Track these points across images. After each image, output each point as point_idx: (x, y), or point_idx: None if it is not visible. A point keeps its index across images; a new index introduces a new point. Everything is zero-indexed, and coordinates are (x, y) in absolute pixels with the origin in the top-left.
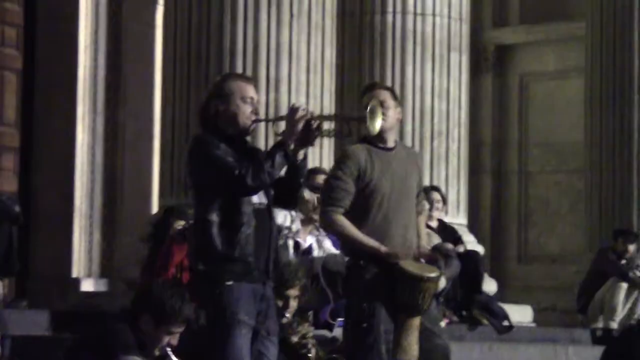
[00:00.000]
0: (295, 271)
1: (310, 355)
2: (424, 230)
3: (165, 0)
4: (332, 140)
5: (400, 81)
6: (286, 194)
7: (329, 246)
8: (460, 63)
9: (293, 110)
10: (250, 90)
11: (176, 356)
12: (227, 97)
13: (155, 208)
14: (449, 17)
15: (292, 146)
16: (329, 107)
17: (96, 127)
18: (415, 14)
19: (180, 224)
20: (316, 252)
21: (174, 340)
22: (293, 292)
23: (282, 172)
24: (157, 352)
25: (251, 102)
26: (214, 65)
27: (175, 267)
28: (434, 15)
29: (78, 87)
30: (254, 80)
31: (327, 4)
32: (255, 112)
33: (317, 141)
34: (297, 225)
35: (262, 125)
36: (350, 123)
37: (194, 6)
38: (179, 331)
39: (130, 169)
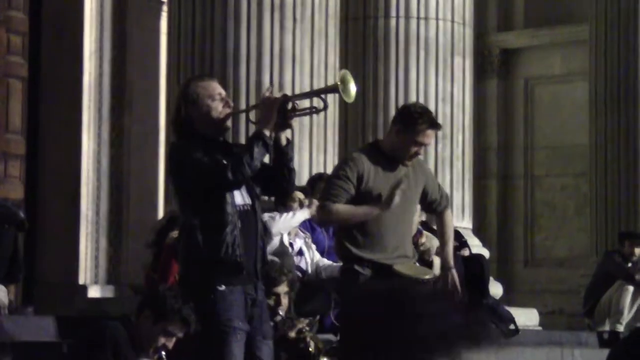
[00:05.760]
0: (279, 268)
1: (310, 349)
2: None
3: (169, 7)
4: (336, 145)
5: (404, 85)
6: (277, 182)
7: (314, 249)
8: (464, 67)
9: (264, 97)
10: (216, 87)
11: None
12: (194, 100)
13: (161, 214)
14: (452, 21)
15: (271, 133)
16: (333, 111)
17: (102, 133)
18: (418, 18)
19: (175, 233)
20: (306, 254)
21: (170, 344)
22: (282, 288)
23: (269, 160)
24: (153, 356)
25: (220, 98)
26: (218, 70)
27: (175, 276)
28: (437, 19)
29: (83, 93)
30: (215, 78)
31: (330, 9)
32: (227, 105)
33: (321, 147)
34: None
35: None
36: (326, 96)
37: (198, 12)
38: (176, 333)
39: (136, 175)
